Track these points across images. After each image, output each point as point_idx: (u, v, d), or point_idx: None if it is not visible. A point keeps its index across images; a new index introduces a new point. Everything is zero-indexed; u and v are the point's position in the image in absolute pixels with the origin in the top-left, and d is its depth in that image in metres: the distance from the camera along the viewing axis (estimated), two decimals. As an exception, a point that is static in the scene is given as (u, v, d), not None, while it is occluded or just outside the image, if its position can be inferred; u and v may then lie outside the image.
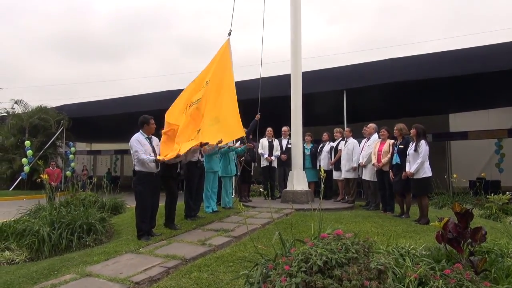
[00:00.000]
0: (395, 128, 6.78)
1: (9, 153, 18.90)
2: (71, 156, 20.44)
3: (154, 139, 5.48)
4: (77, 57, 71.56)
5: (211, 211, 7.04)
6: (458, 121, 16.60)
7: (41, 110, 19.17)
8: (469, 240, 2.95)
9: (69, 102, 19.45)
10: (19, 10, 68.80)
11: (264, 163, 9.23)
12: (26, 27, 65.55)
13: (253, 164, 9.21)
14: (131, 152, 5.25)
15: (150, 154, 5.25)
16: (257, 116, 8.48)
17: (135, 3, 75.47)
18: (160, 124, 6.17)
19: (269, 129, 9.28)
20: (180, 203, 6.83)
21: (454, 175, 10.15)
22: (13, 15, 67.86)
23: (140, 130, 5.38)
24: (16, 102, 19.91)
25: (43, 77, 60.93)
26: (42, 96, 55.84)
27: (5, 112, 20.98)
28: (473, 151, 16.10)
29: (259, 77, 8.82)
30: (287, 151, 9.08)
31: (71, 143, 20.94)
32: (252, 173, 9.25)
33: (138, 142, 5.21)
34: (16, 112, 19.92)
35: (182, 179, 7.00)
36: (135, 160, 5.22)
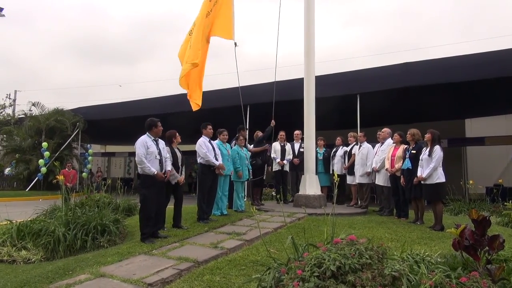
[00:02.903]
0: (408, 133, 6.71)
1: (26, 154, 19.26)
2: (89, 158, 20.81)
3: (161, 142, 5.51)
4: (93, 60, 72.81)
5: (220, 214, 7.06)
6: (475, 127, 16.32)
7: (58, 112, 19.53)
8: (486, 248, 2.89)
9: (85, 105, 19.83)
10: (38, 16, 70.45)
11: (276, 167, 9.22)
12: (44, 32, 67.09)
13: (266, 167, 9.19)
14: (136, 153, 5.23)
15: (155, 157, 5.25)
16: (272, 122, 8.53)
17: (149, 9, 76.45)
18: (170, 126, 6.24)
19: (282, 133, 9.27)
20: (193, 206, 6.87)
21: (470, 181, 9.99)
22: (33, 21, 69.48)
23: (147, 133, 5.40)
24: (33, 105, 20.35)
25: (60, 80, 62.15)
26: (59, 99, 57.04)
27: (23, 114, 21.46)
28: (490, 157, 15.78)
29: (273, 81, 8.83)
30: (300, 155, 9.05)
31: (89, 145, 21.35)
32: (264, 177, 9.24)
33: (142, 146, 5.20)
34: (33, 114, 20.34)
35: (195, 182, 7.06)
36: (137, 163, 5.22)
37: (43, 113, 19.99)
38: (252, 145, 8.71)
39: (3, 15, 21.60)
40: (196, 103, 7.67)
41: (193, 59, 7.03)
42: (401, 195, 6.89)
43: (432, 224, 6.13)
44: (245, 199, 8.84)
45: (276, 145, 9.21)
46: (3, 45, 58.80)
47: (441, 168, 6.05)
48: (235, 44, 7.82)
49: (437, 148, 6.01)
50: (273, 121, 8.54)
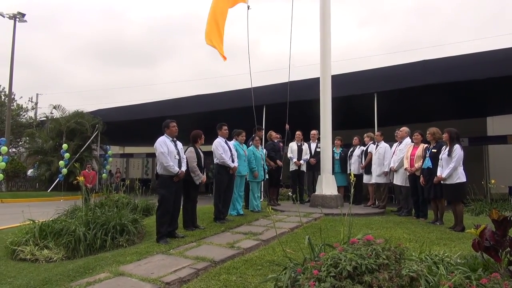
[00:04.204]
0: (427, 132, 6.57)
1: (48, 156, 19.76)
2: (110, 159, 21.21)
3: (179, 143, 5.60)
4: (113, 63, 74.09)
5: (236, 214, 7.09)
6: (496, 125, 15.91)
7: (78, 114, 19.95)
8: (508, 249, 2.82)
9: (105, 107, 20.19)
10: (59, 20, 72.15)
11: (293, 167, 9.20)
12: (65, 36, 68.67)
13: (281, 168, 9.18)
14: (156, 153, 5.35)
15: (175, 156, 5.35)
16: (287, 127, 8.58)
17: (167, 12, 77.31)
18: (188, 127, 6.30)
19: (298, 132, 9.25)
20: (210, 206, 6.92)
21: (492, 181, 9.73)
22: (54, 25, 71.21)
23: (165, 134, 5.52)
24: (54, 107, 20.85)
25: (80, 82, 63.48)
26: (79, 101, 58.33)
27: (44, 117, 22.01)
28: (513, 156, 15.37)
29: (288, 80, 8.82)
30: (316, 155, 9.01)
31: (108, 146, 21.78)
32: (280, 177, 9.24)
33: (164, 145, 5.31)
34: (54, 117, 20.84)
35: (211, 182, 7.12)
36: (158, 163, 5.34)
37: (63, 115, 20.46)
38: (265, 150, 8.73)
39: (25, 21, 22.19)
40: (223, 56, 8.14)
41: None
42: (420, 195, 6.77)
43: (452, 224, 6.01)
44: (261, 199, 8.85)
45: (293, 145, 9.19)
46: (26, 49, 60.45)
47: (462, 168, 5.92)
48: (248, 7, 8.19)
49: (457, 147, 5.88)
50: (287, 126, 8.62)
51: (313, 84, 9.52)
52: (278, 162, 8.53)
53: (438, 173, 6.06)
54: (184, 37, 79.36)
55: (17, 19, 21.73)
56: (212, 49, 8.01)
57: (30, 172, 21.48)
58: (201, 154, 6.11)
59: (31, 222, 5.90)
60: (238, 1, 8.38)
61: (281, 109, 9.04)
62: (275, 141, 8.87)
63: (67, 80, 65.61)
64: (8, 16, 21.58)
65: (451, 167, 5.82)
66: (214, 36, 7.87)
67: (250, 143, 7.88)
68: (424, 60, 10.96)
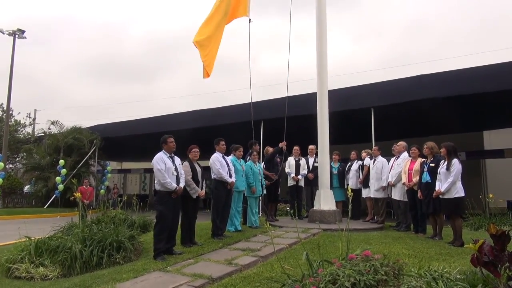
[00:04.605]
0: (425, 146, 6.60)
1: (45, 172, 19.66)
2: (108, 175, 21.14)
3: (177, 159, 5.60)
4: (111, 79, 74.49)
5: (234, 230, 7.04)
6: (493, 139, 15.98)
7: (76, 130, 19.96)
8: (507, 264, 2.80)
9: (102, 122, 20.22)
10: (58, 36, 72.82)
11: (291, 182, 9.18)
12: (64, 51, 69.15)
13: (279, 183, 9.15)
14: (154, 170, 5.35)
15: (172, 173, 5.34)
16: (283, 144, 8.52)
17: (166, 27, 78.23)
18: (185, 142, 6.31)
19: (296, 147, 9.26)
20: (208, 222, 6.88)
21: (490, 195, 9.72)
22: (53, 41, 71.85)
23: (163, 149, 5.52)
24: (52, 123, 20.86)
25: (79, 98, 63.65)
26: (78, 117, 58.35)
27: (42, 133, 22.00)
28: (510, 170, 15.39)
29: (286, 95, 8.88)
30: (314, 170, 9.00)
31: (107, 162, 21.75)
32: (278, 192, 9.22)
33: (161, 161, 5.31)
34: (52, 132, 20.82)
35: (209, 198, 7.09)
36: (156, 179, 5.33)
37: (61, 131, 20.46)
38: (263, 163, 8.73)
39: (25, 37, 22.38)
40: (207, 71, 7.79)
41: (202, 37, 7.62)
42: (419, 209, 6.76)
43: (451, 239, 5.98)
44: (259, 215, 8.80)
45: (291, 160, 9.19)
46: (25, 65, 60.81)
47: (460, 182, 5.92)
48: (249, 20, 8.20)
49: (455, 161, 5.89)
50: (284, 142, 8.55)
51: (310, 99, 9.59)
52: (273, 176, 8.50)
53: (437, 187, 6.07)
54: (182, 53, 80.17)
55: (17, 35, 21.92)
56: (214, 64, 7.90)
57: (26, 188, 21.34)
58: (198, 168, 6.10)
59: (27, 239, 5.84)
60: (237, 16, 8.43)
61: (279, 124, 9.08)
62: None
63: (65, 95, 65.85)
64: (7, 32, 21.76)
65: (450, 181, 5.83)
66: (207, 48, 7.79)
67: (248, 158, 7.88)
68: (420, 75, 11.08)
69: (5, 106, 23.81)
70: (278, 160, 8.94)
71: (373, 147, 8.75)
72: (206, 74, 7.66)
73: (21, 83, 56.06)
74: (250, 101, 8.57)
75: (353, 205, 4.23)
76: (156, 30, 76.53)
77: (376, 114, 11.29)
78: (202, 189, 6.08)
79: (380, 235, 6.59)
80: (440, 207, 6.17)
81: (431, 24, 63.79)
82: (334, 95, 9.47)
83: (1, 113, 27.46)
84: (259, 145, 9.30)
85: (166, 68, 75.80)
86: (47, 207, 18.25)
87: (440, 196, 6.00)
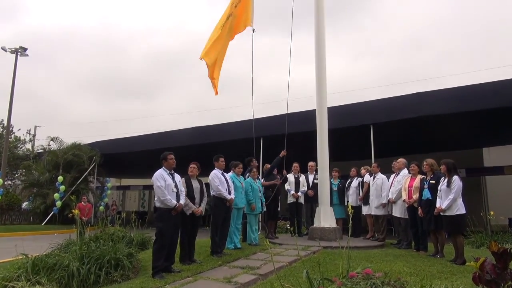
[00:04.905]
0: (424, 163, 6.60)
1: (43, 189, 19.58)
2: (108, 191, 21.07)
3: (176, 175, 5.59)
4: (112, 96, 75.00)
5: (233, 247, 6.97)
6: (493, 156, 15.99)
7: (75, 146, 19.98)
8: (510, 282, 2.77)
9: (102, 139, 20.24)
10: (59, 53, 73.67)
11: (290, 199, 9.14)
12: (65, 69, 69.80)
13: (279, 199, 9.11)
14: (154, 187, 5.34)
15: (172, 190, 5.33)
16: (283, 153, 8.51)
17: (166, 45, 79.22)
18: (185, 159, 6.31)
19: (295, 164, 9.25)
20: (207, 239, 6.81)
21: (491, 212, 9.67)
22: (54, 58, 72.63)
23: (163, 166, 5.52)
24: (52, 139, 20.90)
25: (79, 115, 63.93)
26: (78, 133, 58.45)
27: (42, 149, 22.01)
28: (511, 187, 15.35)
29: (285, 112, 8.93)
30: (314, 187, 8.97)
31: (108, 179, 21.70)
32: (279, 209, 9.16)
33: (161, 178, 5.30)
34: (52, 149, 20.83)
35: (208, 215, 7.05)
36: (156, 196, 5.31)
37: (61, 147, 20.46)
38: (263, 179, 8.70)
39: (27, 55, 22.63)
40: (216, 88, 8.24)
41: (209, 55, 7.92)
42: (420, 226, 6.71)
43: (453, 257, 5.92)
44: (259, 232, 8.73)
45: (290, 177, 9.17)
46: (26, 82, 61.32)
47: (461, 199, 5.90)
48: (253, 30, 8.34)
49: (456, 178, 5.88)
50: (284, 151, 8.53)
51: (309, 116, 9.64)
52: (277, 181, 8.48)
53: (438, 204, 6.03)
54: (182, 71, 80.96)
55: (19, 53, 22.17)
56: (209, 82, 8.03)
57: (25, 205, 21.20)
58: (195, 184, 6.06)
59: (24, 256, 5.77)
60: (240, 30, 8.55)
61: (278, 141, 9.10)
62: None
63: (66, 112, 66.17)
64: (10, 50, 22.02)
65: (451, 198, 5.80)
66: (215, 67, 8.04)
67: (248, 174, 7.86)
68: (418, 92, 11.17)
69: (5, 122, 23.85)
70: (278, 177, 8.90)
71: (373, 164, 8.75)
72: (216, 92, 8.11)
73: (21, 100, 56.43)
74: (249, 118, 8.65)
75: (354, 222, 4.21)
76: (156, 47, 77.49)
77: (375, 131, 11.33)
78: (199, 206, 6.03)
79: (381, 252, 6.52)
80: (441, 224, 6.12)
81: (429, 42, 64.69)
82: (334, 112, 9.52)
83: (1, 129, 27.51)
84: (259, 162, 9.28)
85: (165, 85, 76.44)
86: (45, 224, 18.11)
87: (441, 213, 5.97)
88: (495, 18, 57.11)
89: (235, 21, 8.35)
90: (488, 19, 58.64)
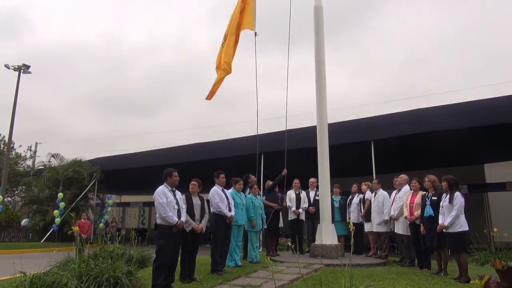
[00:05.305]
0: (426, 179, 6.56)
1: (43, 205, 19.49)
2: (109, 208, 20.97)
3: (178, 193, 5.56)
4: (113, 113, 75.39)
5: (234, 265, 6.88)
6: (495, 172, 15.94)
7: (76, 163, 19.96)
8: (516, 301, 2.73)
9: (103, 155, 20.26)
10: (61, 70, 74.36)
11: (291, 216, 9.07)
12: (67, 86, 70.39)
13: (280, 216, 9.04)
14: (155, 203, 5.31)
15: (173, 207, 5.30)
16: (284, 171, 8.51)
17: (167, 63, 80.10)
18: (187, 175, 6.30)
19: (296, 180, 9.21)
20: (207, 257, 6.74)
21: (495, 229, 9.58)
22: (56, 75, 73.37)
23: (164, 183, 5.49)
24: (53, 156, 20.88)
25: (81, 132, 64.16)
26: (79, 150, 58.40)
27: (42, 165, 21.99)
28: (514, 203, 15.24)
29: (287, 129, 8.95)
30: (315, 203, 8.91)
31: (109, 196, 21.61)
32: (280, 226, 9.08)
33: (163, 195, 5.27)
34: (52, 165, 20.80)
35: (209, 232, 6.99)
36: (157, 213, 5.28)
37: (62, 164, 20.44)
38: (264, 196, 8.66)
39: (30, 72, 22.84)
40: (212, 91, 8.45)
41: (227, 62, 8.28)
42: (422, 244, 6.63)
43: (457, 275, 5.83)
44: (260, 249, 8.64)
45: (291, 194, 9.12)
46: (28, 99, 61.75)
47: (464, 216, 5.84)
48: (255, 33, 8.32)
49: (458, 194, 5.83)
50: (285, 170, 8.52)
51: (310, 132, 9.65)
52: (276, 206, 8.43)
53: (440, 221, 5.97)
54: (182, 88, 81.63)
55: (22, 70, 22.38)
56: (214, 98, 8.17)
57: (24, 222, 21.07)
58: (196, 201, 6.02)
59: (22, 274, 5.70)
60: (245, 27, 8.64)
61: (279, 157, 9.10)
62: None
63: (67, 129, 66.40)
64: (13, 68, 22.24)
65: (453, 215, 5.74)
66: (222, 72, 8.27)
67: (249, 191, 7.83)
68: (418, 108, 11.23)
69: (7, 139, 23.91)
70: (279, 194, 8.86)
71: (373, 180, 8.71)
72: (209, 97, 8.30)
73: (23, 117, 56.77)
74: (249, 134, 8.66)
75: (355, 239, 4.17)
76: (158, 66, 78.31)
77: (376, 147, 11.34)
78: (200, 222, 5.98)
79: (383, 270, 6.43)
80: (444, 241, 6.05)
81: (429, 58, 65.34)
82: (334, 128, 9.55)
83: (3, 146, 27.55)
84: (260, 178, 9.25)
85: (166, 102, 76.94)
86: (44, 241, 17.95)
87: (444, 230, 5.90)
88: (497, 37, 57.86)
89: (237, 21, 8.57)
90: (489, 37, 59.37)
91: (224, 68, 8.22)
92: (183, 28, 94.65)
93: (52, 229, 18.02)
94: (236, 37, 8.58)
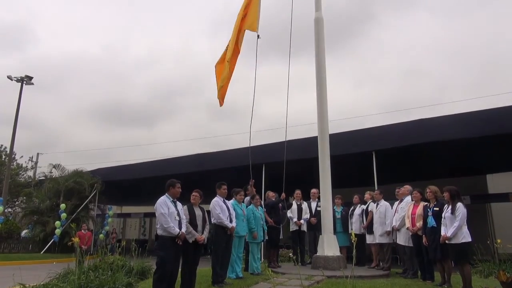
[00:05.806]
0: (427, 190, 6.51)
1: (43, 216, 19.39)
2: (109, 219, 20.87)
3: (179, 204, 5.53)
4: (114, 124, 75.64)
5: (235, 276, 6.81)
6: (497, 182, 15.85)
7: (77, 174, 19.92)
8: (521, 314, 2.68)
9: (104, 166, 20.23)
10: (64, 82, 74.85)
11: (293, 227, 9.01)
12: (69, 98, 70.80)
13: (281, 228, 8.99)
14: (156, 214, 5.27)
15: (175, 218, 5.26)
16: (283, 196, 8.58)
17: (168, 76, 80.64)
18: (188, 186, 6.27)
19: (297, 191, 9.17)
20: (207, 269, 6.67)
21: (498, 240, 9.49)
22: (58, 87, 73.83)
23: (166, 193, 5.45)
24: (54, 167, 20.85)
25: (82, 142, 64.31)
26: (80, 161, 58.63)
27: (43, 176, 21.96)
28: (517, 214, 15.13)
29: (289, 139, 8.94)
30: (317, 214, 8.86)
31: (110, 206, 21.55)
32: (281, 237, 9.02)
33: (164, 205, 5.24)
34: (53, 176, 20.77)
35: (210, 243, 6.94)
36: (158, 224, 5.23)
37: (63, 175, 20.41)
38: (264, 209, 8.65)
39: (32, 83, 22.95)
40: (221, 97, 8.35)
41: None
42: (425, 255, 6.56)
43: (461, 287, 5.75)
44: (261, 261, 8.56)
45: (293, 204, 9.07)
46: (29, 110, 62.06)
47: (466, 227, 5.78)
48: (258, 36, 8.22)
49: (460, 205, 5.79)
50: (283, 194, 8.55)
51: (311, 143, 9.64)
52: (271, 222, 8.39)
53: (443, 232, 5.91)
54: (185, 98, 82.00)
55: (25, 82, 22.48)
56: (212, 109, 8.25)
57: (24, 233, 20.95)
58: (197, 212, 5.98)
59: (22, 286, 5.65)
60: (249, 28, 8.53)
61: (280, 168, 9.08)
62: (273, 199, 8.81)
63: (69, 140, 66.56)
64: (16, 79, 22.35)
65: (456, 226, 5.69)
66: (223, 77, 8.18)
67: (249, 201, 7.78)
68: (420, 118, 11.22)
69: (7, 149, 23.93)
70: (280, 205, 8.82)
71: (375, 191, 8.66)
72: (221, 102, 8.22)
73: (24, 128, 56.96)
74: (253, 145, 8.64)
75: (358, 251, 4.13)
76: (160, 76, 78.79)
77: (378, 158, 11.31)
78: (202, 234, 5.93)
79: (386, 282, 6.35)
80: (447, 253, 5.98)
81: (430, 69, 65.63)
82: (335, 139, 9.54)
83: (4, 156, 27.57)
84: (261, 188, 9.22)
85: (166, 114, 77.19)
86: (43, 252, 17.83)
87: (447, 242, 5.84)
88: (497, 47, 58.16)
89: (240, 22, 8.53)
90: (488, 47, 59.69)
91: (227, 66, 8.10)
92: (185, 40, 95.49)
93: (52, 240, 17.92)
94: (239, 34, 8.50)
